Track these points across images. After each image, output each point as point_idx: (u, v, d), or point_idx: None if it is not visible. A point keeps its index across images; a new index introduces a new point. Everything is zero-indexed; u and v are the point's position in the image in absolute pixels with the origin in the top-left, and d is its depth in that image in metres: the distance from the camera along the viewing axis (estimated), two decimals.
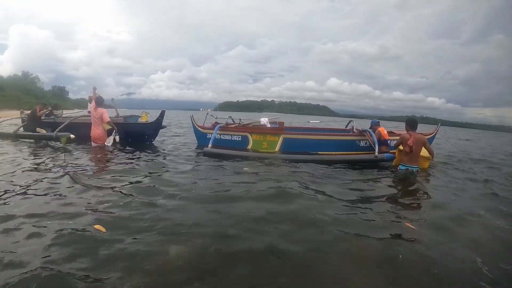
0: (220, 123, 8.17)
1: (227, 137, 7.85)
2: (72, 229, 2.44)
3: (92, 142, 7.09)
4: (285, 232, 2.59)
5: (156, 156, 6.32)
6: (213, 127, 7.95)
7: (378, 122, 7.16)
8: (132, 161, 5.58)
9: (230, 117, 8.79)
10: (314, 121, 8.89)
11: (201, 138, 8.12)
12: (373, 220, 2.97)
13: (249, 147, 7.64)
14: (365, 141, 6.99)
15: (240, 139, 7.75)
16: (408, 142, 5.02)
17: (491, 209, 3.59)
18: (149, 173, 4.62)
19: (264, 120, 7.85)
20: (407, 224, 2.89)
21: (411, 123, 5.28)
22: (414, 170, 5.09)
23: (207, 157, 6.27)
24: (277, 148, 7.40)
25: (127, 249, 2.16)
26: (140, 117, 10.39)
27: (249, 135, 7.66)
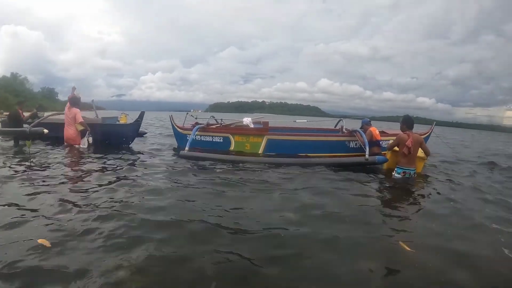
0: (201, 124, 7.66)
1: (207, 139, 7.36)
2: (11, 242, 2.12)
3: (65, 142, 7.01)
4: (258, 257, 2.10)
5: (127, 160, 5.80)
6: (193, 127, 7.41)
7: (370, 121, 6.68)
8: (100, 165, 5.14)
9: (213, 117, 8.26)
10: (301, 121, 8.33)
11: (181, 139, 7.60)
12: (361, 240, 2.46)
13: (231, 148, 7.14)
14: (355, 142, 6.51)
15: (221, 140, 7.24)
16: (406, 143, 4.59)
17: (499, 220, 3.12)
18: (115, 179, 4.16)
19: (247, 120, 7.31)
20: (401, 244, 2.37)
21: (408, 122, 4.83)
22: (411, 172, 4.68)
23: (184, 161, 5.79)
24: (260, 150, 6.88)
25: (72, 268, 1.84)
26: (119, 118, 10.03)
27: (230, 136, 7.13)
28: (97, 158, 5.75)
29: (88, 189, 3.59)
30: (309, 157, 6.32)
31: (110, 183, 3.90)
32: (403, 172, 4.68)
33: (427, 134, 6.93)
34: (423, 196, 4.02)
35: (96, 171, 4.63)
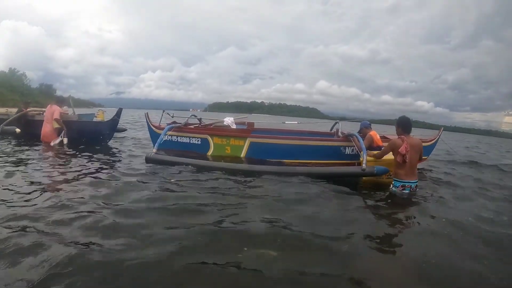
0: (179, 123, 6.76)
1: (184, 140, 6.47)
2: None
3: (41, 140, 7.00)
4: None
5: (96, 160, 5.33)
6: (176, 127, 6.54)
7: (370, 124, 5.74)
8: (61, 167, 4.74)
9: (194, 115, 7.36)
10: (291, 122, 7.35)
11: (156, 139, 6.66)
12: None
13: (210, 152, 6.23)
14: (352, 147, 5.58)
15: (199, 142, 6.33)
16: (399, 150, 3.70)
17: None
18: (68, 182, 3.79)
19: (229, 120, 6.38)
20: None
21: (404, 124, 3.93)
22: (412, 186, 3.83)
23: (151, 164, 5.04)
24: (242, 154, 5.95)
25: None
26: (96, 115, 9.62)
27: (209, 138, 6.21)
28: (65, 157, 5.52)
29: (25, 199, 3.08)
30: (295, 164, 5.43)
31: (62, 184, 3.68)
32: (401, 186, 3.80)
33: (434, 140, 6.00)
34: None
35: (57, 171, 4.38)
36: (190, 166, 4.86)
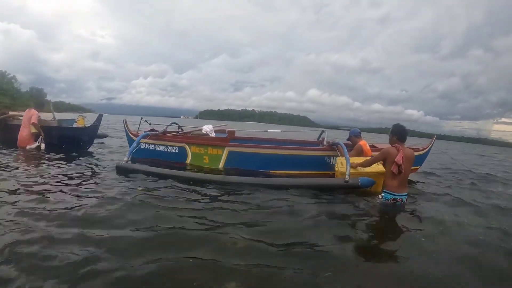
0: (157, 131, 6.39)
1: (162, 148, 6.09)
2: None
3: (18, 145, 6.75)
4: None
5: (68, 168, 4.99)
6: (153, 135, 6.15)
7: (360, 133, 5.41)
8: (30, 175, 4.35)
9: (175, 123, 6.98)
10: (274, 131, 6.98)
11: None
12: None
13: (188, 161, 5.85)
14: (337, 157, 5.24)
15: (176, 151, 5.96)
16: (396, 159, 3.42)
17: None
18: (30, 191, 3.48)
19: (207, 128, 6.00)
20: None
21: (400, 132, 3.66)
22: (404, 199, 3.58)
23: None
24: (221, 165, 5.57)
25: None
26: (76, 120, 8.98)
27: (187, 147, 5.84)
28: (38, 163, 5.23)
29: None
30: (276, 175, 5.10)
31: (24, 193, 3.39)
32: (393, 199, 3.51)
33: (426, 149, 5.70)
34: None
35: (25, 178, 4.07)
36: (162, 177, 4.50)
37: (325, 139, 5.91)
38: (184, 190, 3.88)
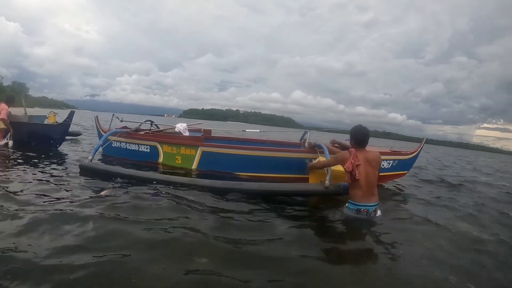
0: (129, 128, 5.97)
1: (133, 147, 5.67)
2: None
3: None
4: None
5: (31, 167, 4.63)
6: (122, 132, 5.72)
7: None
8: None
9: (150, 121, 6.53)
10: (252, 131, 6.57)
11: (106, 146, 5.81)
12: None
13: (160, 161, 5.44)
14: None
15: (148, 150, 5.54)
16: (345, 166, 3.07)
17: None
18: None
19: (181, 127, 5.56)
20: None
21: (356, 136, 3.22)
22: (370, 210, 3.10)
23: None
24: (194, 166, 5.16)
25: None
26: (47, 117, 8.69)
27: (158, 146, 5.41)
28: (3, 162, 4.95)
29: None
30: (252, 178, 4.73)
31: None
32: (356, 210, 3.12)
33: (415, 153, 5.37)
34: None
35: None
36: (126, 178, 4.12)
37: (307, 140, 5.46)
38: (146, 194, 3.46)
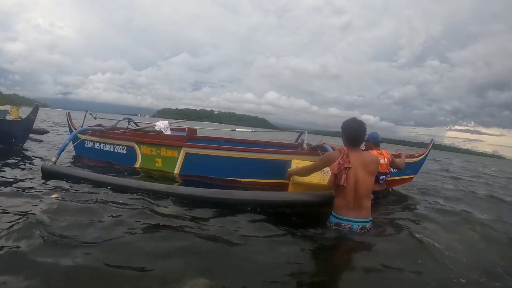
0: (104, 126, 5.31)
1: (108, 148, 4.99)
2: None
3: None
4: None
5: None
6: (95, 131, 5.05)
7: (380, 142, 4.32)
8: None
9: (128, 119, 5.84)
10: (244, 130, 5.93)
11: (78, 146, 5.23)
12: None
13: (137, 165, 4.77)
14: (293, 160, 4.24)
15: (124, 151, 4.87)
16: (331, 167, 2.48)
17: None
18: None
19: (162, 125, 4.89)
20: None
21: (350, 132, 2.58)
22: (354, 227, 2.43)
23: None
24: (176, 169, 4.52)
25: None
26: (9, 111, 8.18)
27: (136, 146, 4.73)
28: None
29: None
30: (243, 184, 4.14)
31: None
32: (335, 224, 2.50)
33: (423, 155, 4.94)
34: None
35: None
36: (94, 183, 3.50)
37: (305, 141, 4.87)
38: (111, 204, 2.86)
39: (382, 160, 3.96)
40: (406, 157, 4.51)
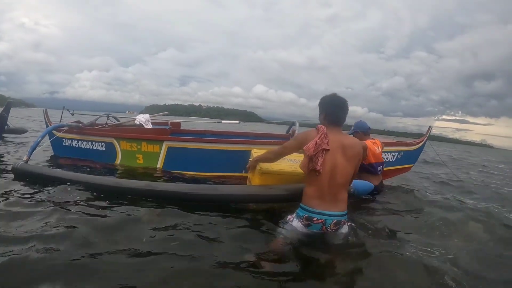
0: (82, 123, 4.98)
1: (86, 145, 4.71)
2: None
3: None
4: None
5: None
6: (72, 127, 4.70)
7: (369, 129, 3.94)
8: None
9: (107, 114, 5.52)
10: (230, 122, 5.66)
11: (56, 144, 4.90)
12: None
13: (117, 161, 4.50)
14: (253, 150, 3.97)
15: (103, 148, 4.60)
16: (305, 147, 2.02)
17: None
18: None
19: (142, 118, 4.62)
20: None
21: (329, 108, 2.17)
22: (328, 221, 1.99)
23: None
24: (159, 165, 4.27)
25: None
26: None
27: (115, 142, 4.46)
28: None
29: None
30: (228, 179, 3.91)
31: None
32: (306, 219, 2.03)
33: (421, 143, 4.75)
34: None
35: None
36: (68, 183, 3.18)
37: (296, 132, 4.59)
38: (80, 203, 2.66)
39: (377, 150, 3.70)
40: (402, 145, 4.34)
